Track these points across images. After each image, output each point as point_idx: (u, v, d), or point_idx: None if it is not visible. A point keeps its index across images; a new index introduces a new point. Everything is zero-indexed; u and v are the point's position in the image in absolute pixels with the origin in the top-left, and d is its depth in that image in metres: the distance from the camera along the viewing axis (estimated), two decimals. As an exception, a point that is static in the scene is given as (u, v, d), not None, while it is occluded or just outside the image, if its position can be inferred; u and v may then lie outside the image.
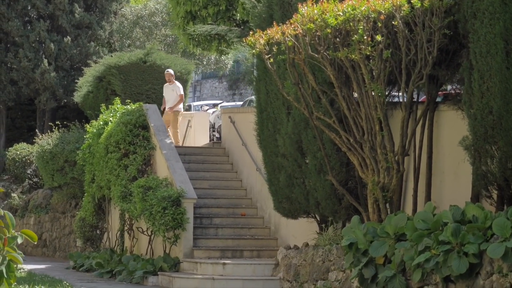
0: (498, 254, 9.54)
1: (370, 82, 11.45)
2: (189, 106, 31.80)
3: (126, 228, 19.35)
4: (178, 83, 20.82)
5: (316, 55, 11.86)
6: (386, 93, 12.41)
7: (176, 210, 16.32)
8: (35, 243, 5.71)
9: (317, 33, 11.68)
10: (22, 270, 19.06)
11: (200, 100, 52.86)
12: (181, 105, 20.71)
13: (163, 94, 21.04)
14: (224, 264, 15.10)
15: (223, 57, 26.51)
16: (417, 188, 12.62)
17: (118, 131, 19.04)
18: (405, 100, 11.80)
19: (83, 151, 21.23)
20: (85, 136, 21.62)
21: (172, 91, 20.55)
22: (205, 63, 34.06)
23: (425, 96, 12.68)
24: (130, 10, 33.93)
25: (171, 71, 20.98)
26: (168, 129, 20.19)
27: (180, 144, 20.88)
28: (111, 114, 20.17)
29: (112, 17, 32.94)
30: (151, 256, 17.86)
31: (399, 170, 11.95)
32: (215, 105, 30.75)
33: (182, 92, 20.67)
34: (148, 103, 23.13)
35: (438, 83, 12.26)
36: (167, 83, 20.80)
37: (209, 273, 15.22)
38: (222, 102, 31.13)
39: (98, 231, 21.66)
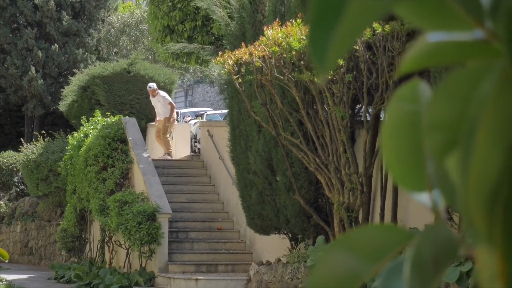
0: (453, 278, 9.68)
1: (333, 105, 11.59)
2: (177, 113, 31.86)
3: (105, 240, 19.50)
4: (162, 93, 20.83)
5: (282, 77, 11.99)
6: (355, 112, 12.55)
7: (151, 225, 16.47)
8: (6, 261, 5.82)
9: (283, 55, 11.81)
10: (3, 282, 19.18)
11: (192, 105, 52.96)
12: (171, 112, 20.79)
13: (154, 105, 21.11)
14: (196, 279, 15.23)
15: (206, 68, 26.69)
16: (384, 207, 12.75)
17: (97, 144, 19.18)
18: (367, 122, 11.92)
19: (64, 162, 21.37)
20: (67, 147, 21.76)
21: (158, 102, 20.64)
22: (191, 71, 34.22)
23: None
24: (117, 18, 34.05)
25: (152, 85, 20.93)
26: (157, 140, 20.45)
27: (172, 151, 20.90)
28: (92, 127, 20.30)
29: (100, 25, 33.08)
30: (128, 269, 17.99)
31: (363, 191, 12.08)
32: (197, 116, 30.82)
33: (169, 100, 20.76)
34: (132, 113, 23.27)
35: (403, 104, 12.37)
36: (152, 97, 20.85)
37: (182, 289, 15.37)
38: (205, 113, 31.15)
39: (80, 242, 21.79)
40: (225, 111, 29.80)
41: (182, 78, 38.22)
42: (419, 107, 1.29)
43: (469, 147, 1.21)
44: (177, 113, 31.43)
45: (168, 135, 20.77)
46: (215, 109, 39.78)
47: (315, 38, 1.19)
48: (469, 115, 1.22)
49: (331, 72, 11.38)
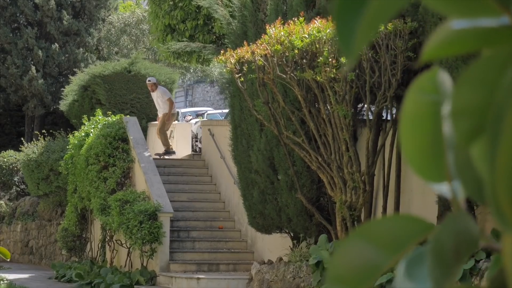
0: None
1: (336, 104, 11.58)
2: (177, 113, 31.76)
3: (106, 239, 19.49)
4: (161, 88, 20.72)
5: (284, 76, 11.98)
6: (357, 111, 12.56)
7: (153, 224, 16.47)
8: (8, 260, 5.81)
9: (285, 54, 11.80)
10: (4, 281, 19.17)
11: (192, 105, 52.94)
12: (169, 108, 20.53)
13: (154, 100, 21.08)
14: (198, 278, 15.22)
15: (208, 67, 26.69)
16: (386, 205, 12.75)
17: (98, 143, 19.18)
18: (370, 121, 11.91)
19: (65, 161, 21.36)
20: (67, 147, 21.75)
21: (158, 98, 20.58)
22: (192, 70, 34.20)
23: None
24: (118, 18, 34.04)
25: (151, 79, 20.83)
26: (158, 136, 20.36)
27: (170, 147, 20.74)
28: (93, 126, 20.29)
29: (100, 24, 33.08)
30: (129, 268, 17.99)
31: (366, 190, 12.07)
32: (198, 115, 30.81)
33: (168, 96, 20.60)
34: (133, 112, 23.27)
35: (406, 102, 12.39)
36: (152, 92, 20.82)
37: (184, 288, 15.38)
38: (205, 113, 31.13)
39: (81, 241, 21.79)
40: (226, 110, 29.83)
41: (182, 77, 38.24)
42: (439, 97, 1.28)
43: (496, 134, 1.20)
44: (178, 113, 31.39)
45: (167, 131, 20.67)
46: (215, 108, 39.79)
47: (342, 26, 1.18)
48: (496, 101, 1.21)
49: (334, 70, 11.38)
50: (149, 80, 20.81)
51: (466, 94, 1.21)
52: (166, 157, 20.48)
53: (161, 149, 20.93)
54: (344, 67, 10.90)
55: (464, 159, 1.26)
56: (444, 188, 1.27)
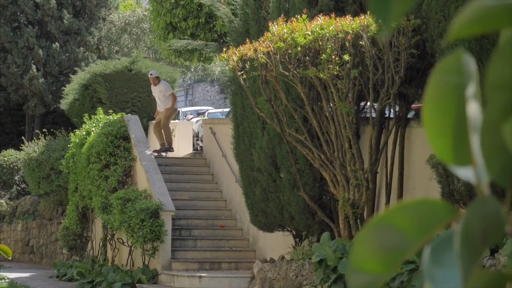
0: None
1: (339, 101, 11.55)
2: (178, 112, 31.71)
3: (108, 238, 19.47)
4: (164, 83, 20.55)
5: (287, 73, 11.95)
6: (360, 109, 12.53)
7: (154, 223, 16.44)
8: (10, 258, 5.81)
9: (288, 51, 11.77)
10: (5, 280, 19.14)
11: (192, 105, 52.94)
12: (172, 103, 20.34)
13: (154, 95, 20.85)
14: (200, 277, 15.21)
15: (209, 65, 26.68)
16: (389, 203, 12.72)
17: (99, 142, 19.16)
18: (373, 119, 11.89)
19: (66, 160, 21.34)
20: (68, 145, 21.73)
21: (160, 92, 20.46)
22: (192, 70, 34.18)
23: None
24: (118, 17, 34.02)
25: (153, 73, 20.62)
26: (159, 132, 20.20)
27: (173, 144, 20.57)
28: (94, 124, 20.27)
29: (100, 23, 33.06)
30: (131, 267, 17.98)
31: (369, 187, 12.05)
32: (199, 114, 30.80)
33: (171, 91, 20.42)
34: (134, 111, 23.23)
35: (409, 100, 12.37)
36: (153, 86, 20.63)
37: (185, 286, 15.35)
38: (206, 111, 31.12)
39: (82, 240, 21.77)
40: (226, 109, 29.84)
41: (183, 77, 38.24)
42: (463, 79, 1.25)
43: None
44: (178, 112, 31.32)
45: (169, 125, 20.53)
46: (215, 108, 39.81)
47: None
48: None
49: (337, 67, 11.35)
50: (151, 74, 20.66)
51: (503, 67, 1.18)
52: (163, 154, 20.34)
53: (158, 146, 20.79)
54: (380, 37, 10.78)
55: (491, 141, 1.23)
56: (467, 172, 1.24)
